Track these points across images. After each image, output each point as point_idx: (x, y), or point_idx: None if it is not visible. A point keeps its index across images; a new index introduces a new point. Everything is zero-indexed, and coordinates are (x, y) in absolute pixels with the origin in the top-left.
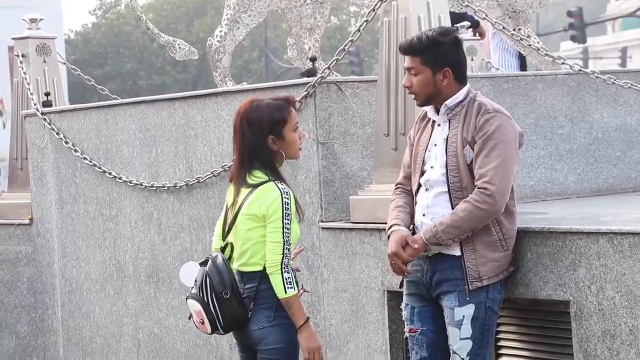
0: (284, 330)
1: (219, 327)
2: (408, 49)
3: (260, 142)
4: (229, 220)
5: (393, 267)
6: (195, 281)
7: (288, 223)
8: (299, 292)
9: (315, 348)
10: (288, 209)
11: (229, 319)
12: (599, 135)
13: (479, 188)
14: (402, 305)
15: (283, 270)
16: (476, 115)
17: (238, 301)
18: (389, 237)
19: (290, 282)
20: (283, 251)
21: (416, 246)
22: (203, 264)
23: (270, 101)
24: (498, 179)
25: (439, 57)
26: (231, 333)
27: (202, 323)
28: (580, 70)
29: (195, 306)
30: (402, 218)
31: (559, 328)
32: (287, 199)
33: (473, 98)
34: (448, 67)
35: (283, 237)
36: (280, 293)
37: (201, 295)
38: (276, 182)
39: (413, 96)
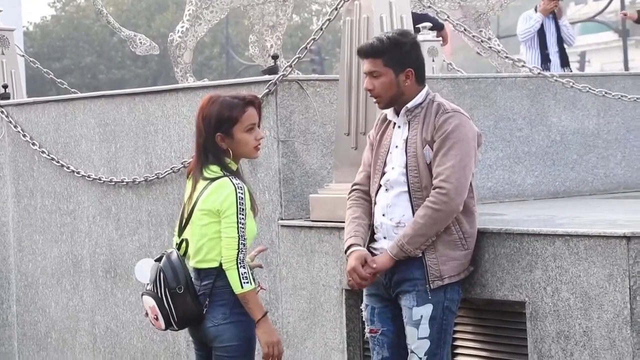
0: (239, 328)
1: (172, 322)
2: (370, 52)
3: (209, 137)
4: (185, 216)
5: (350, 284)
6: (150, 277)
7: (243, 218)
8: (256, 288)
9: (275, 342)
10: (242, 204)
11: (183, 315)
12: (556, 139)
13: (435, 188)
14: (362, 306)
15: (239, 265)
16: (435, 115)
17: (192, 297)
18: (347, 255)
19: (246, 277)
20: (238, 246)
21: (374, 265)
22: (158, 260)
23: (226, 98)
24: (455, 177)
25: (401, 58)
26: (187, 330)
27: (156, 319)
28: (539, 73)
29: (149, 302)
30: (360, 234)
31: (514, 328)
32: (242, 193)
33: (432, 99)
34: (410, 68)
35: (238, 232)
36: (236, 288)
37: (155, 290)
38: (230, 177)
39: (374, 99)
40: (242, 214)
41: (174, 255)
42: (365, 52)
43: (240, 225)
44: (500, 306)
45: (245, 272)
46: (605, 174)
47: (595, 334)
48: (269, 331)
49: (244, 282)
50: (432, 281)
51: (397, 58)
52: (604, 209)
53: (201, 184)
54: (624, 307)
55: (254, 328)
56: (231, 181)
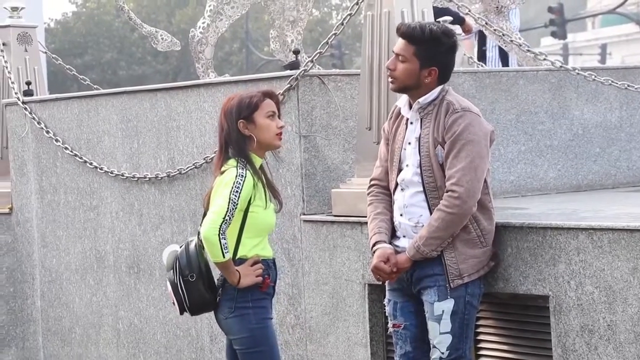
0: (246, 321)
1: (186, 308)
2: (407, 35)
3: (232, 127)
4: (204, 211)
5: (377, 279)
6: (167, 264)
7: (236, 198)
8: (264, 282)
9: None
10: (239, 187)
11: (195, 302)
12: (579, 132)
13: (447, 191)
14: (385, 301)
15: (220, 235)
16: (445, 114)
17: (206, 286)
18: (373, 252)
19: (227, 247)
20: (225, 216)
21: (395, 269)
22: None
23: (245, 92)
24: (466, 180)
25: (433, 55)
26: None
27: (174, 304)
28: (561, 66)
29: (168, 287)
30: (384, 230)
31: (538, 322)
32: (241, 179)
33: (444, 96)
34: (436, 67)
35: (228, 205)
36: (217, 257)
37: (172, 277)
38: (239, 167)
39: (391, 79)
40: (235, 195)
41: (192, 244)
42: (403, 33)
43: (231, 201)
44: (524, 300)
45: (226, 243)
46: (628, 167)
47: (619, 327)
48: (249, 279)
49: (225, 252)
50: (452, 280)
51: (429, 53)
52: (627, 202)
53: (217, 178)
54: None
55: (263, 319)
56: (236, 170)
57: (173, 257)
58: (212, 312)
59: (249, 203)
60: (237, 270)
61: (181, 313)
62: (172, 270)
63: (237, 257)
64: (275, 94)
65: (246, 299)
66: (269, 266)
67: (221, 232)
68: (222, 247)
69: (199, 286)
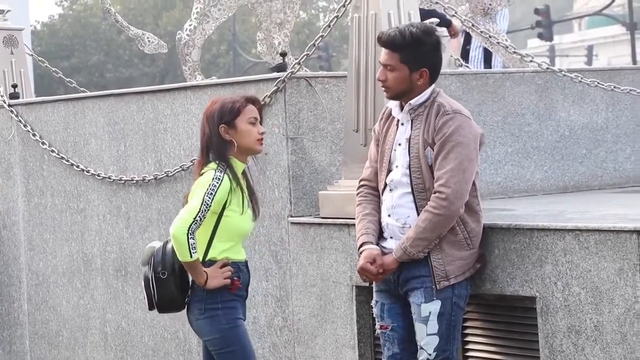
0: (216, 322)
1: (154, 304)
2: (389, 44)
3: (213, 132)
4: None
5: (364, 280)
6: (142, 259)
7: (209, 200)
8: (233, 284)
9: (224, 282)
10: (214, 190)
11: (164, 300)
12: (565, 133)
13: (434, 192)
14: (373, 302)
15: (189, 235)
16: (435, 116)
17: (177, 285)
18: (360, 253)
19: (195, 247)
20: (196, 217)
21: (381, 270)
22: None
23: (228, 97)
24: (454, 182)
25: (420, 57)
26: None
27: (144, 298)
28: (548, 68)
29: (142, 282)
30: (372, 231)
31: (525, 324)
32: (217, 182)
33: (434, 97)
34: (426, 68)
35: (201, 206)
36: (185, 257)
37: (146, 272)
38: (217, 170)
39: (384, 89)
40: (209, 197)
41: (170, 243)
42: (384, 43)
43: (204, 203)
44: (511, 301)
45: (194, 243)
46: (615, 168)
47: (606, 328)
48: (217, 281)
49: (193, 252)
50: (438, 281)
51: (415, 56)
52: (613, 204)
53: (196, 179)
54: (635, 301)
55: (233, 319)
56: (214, 173)
57: (150, 253)
58: (185, 313)
59: (224, 207)
60: (205, 271)
61: (150, 309)
62: (147, 265)
63: (206, 259)
64: (258, 100)
65: (215, 300)
66: (239, 269)
67: (190, 232)
68: (190, 247)
69: (169, 284)
